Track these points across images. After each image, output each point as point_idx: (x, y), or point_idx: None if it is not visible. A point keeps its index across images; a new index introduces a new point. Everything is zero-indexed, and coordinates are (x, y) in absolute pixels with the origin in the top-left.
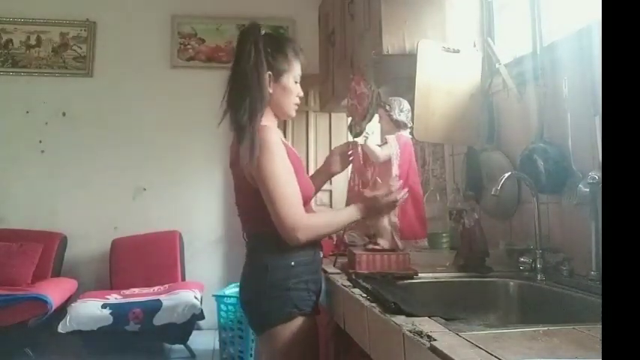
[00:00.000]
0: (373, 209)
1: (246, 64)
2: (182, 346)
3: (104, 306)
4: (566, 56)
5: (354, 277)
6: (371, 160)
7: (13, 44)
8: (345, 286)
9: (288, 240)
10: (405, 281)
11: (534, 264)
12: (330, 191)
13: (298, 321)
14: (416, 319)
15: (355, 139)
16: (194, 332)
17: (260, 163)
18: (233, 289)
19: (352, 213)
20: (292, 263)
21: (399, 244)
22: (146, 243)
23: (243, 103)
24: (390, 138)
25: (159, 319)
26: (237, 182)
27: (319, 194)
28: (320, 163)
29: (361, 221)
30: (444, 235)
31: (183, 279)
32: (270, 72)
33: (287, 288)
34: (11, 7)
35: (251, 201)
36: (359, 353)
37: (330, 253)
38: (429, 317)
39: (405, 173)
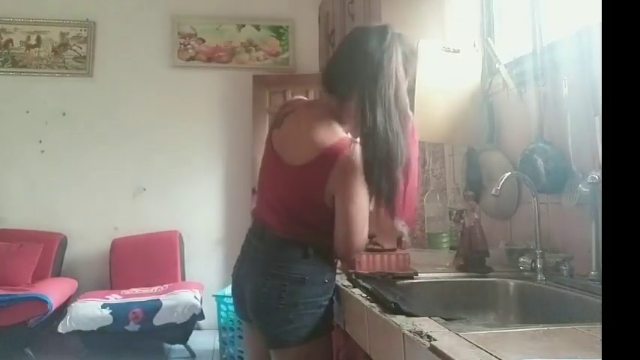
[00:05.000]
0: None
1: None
2: (182, 346)
3: (104, 306)
4: (566, 56)
5: (354, 277)
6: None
7: (13, 44)
8: (345, 286)
9: (345, 260)
10: (405, 281)
11: (534, 264)
12: None
13: (325, 338)
14: (416, 319)
15: None
16: (194, 332)
17: (351, 185)
18: None
19: None
20: (326, 280)
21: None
22: (146, 243)
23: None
24: None
25: (159, 319)
26: (303, 185)
27: None
28: None
29: None
30: (444, 235)
31: (183, 279)
32: None
33: (320, 305)
34: (11, 7)
35: (315, 211)
36: None
37: None
38: (429, 317)
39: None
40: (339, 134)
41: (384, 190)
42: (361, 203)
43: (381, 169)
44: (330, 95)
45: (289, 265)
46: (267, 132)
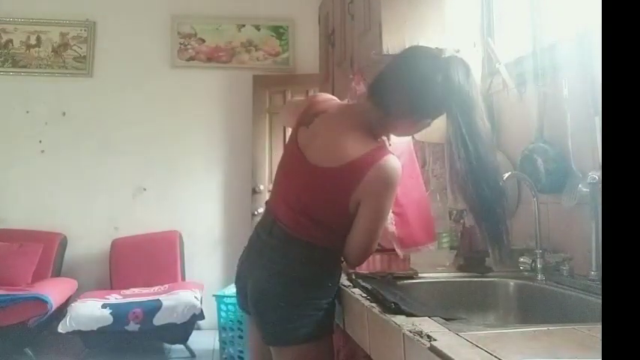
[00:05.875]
0: None
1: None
2: (182, 346)
3: (104, 306)
4: (566, 56)
5: (354, 277)
6: None
7: (13, 44)
8: (345, 286)
9: (351, 265)
10: (405, 281)
11: (534, 264)
12: None
13: (323, 341)
14: (416, 319)
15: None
16: (194, 332)
17: (380, 196)
18: (233, 289)
19: None
20: (330, 284)
21: (400, 252)
22: (146, 243)
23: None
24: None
25: (159, 319)
26: (327, 188)
27: None
28: None
29: None
30: (444, 235)
31: (183, 279)
32: None
33: (321, 308)
34: (11, 7)
35: (334, 214)
36: None
37: None
38: (429, 317)
39: (408, 175)
40: (374, 143)
41: (492, 228)
42: (385, 215)
43: (489, 207)
44: (379, 111)
45: (294, 264)
46: (267, 132)
